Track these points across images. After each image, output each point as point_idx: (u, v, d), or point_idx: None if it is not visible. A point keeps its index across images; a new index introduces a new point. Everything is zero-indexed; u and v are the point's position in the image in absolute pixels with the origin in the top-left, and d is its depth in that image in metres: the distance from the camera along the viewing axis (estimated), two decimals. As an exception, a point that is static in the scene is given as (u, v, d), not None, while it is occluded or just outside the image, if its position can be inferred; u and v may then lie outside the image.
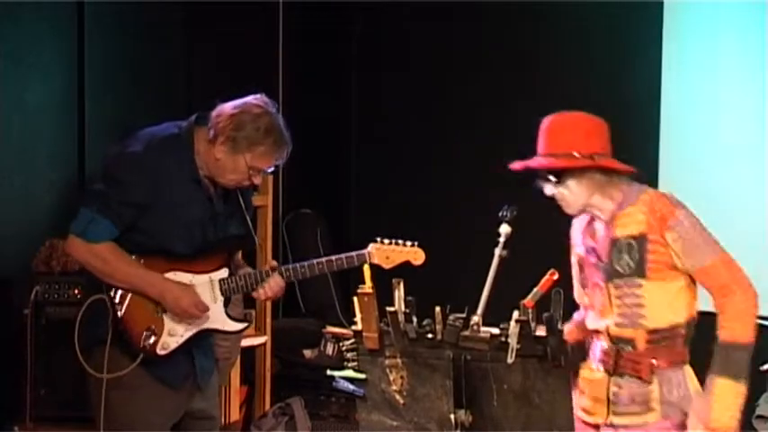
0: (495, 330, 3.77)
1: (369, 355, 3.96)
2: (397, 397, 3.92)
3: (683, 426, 3.94)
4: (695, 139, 6.36)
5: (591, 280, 4.01)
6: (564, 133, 3.94)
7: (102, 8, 6.12)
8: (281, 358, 6.76)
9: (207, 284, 4.42)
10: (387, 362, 3.90)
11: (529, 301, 3.88)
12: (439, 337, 3.82)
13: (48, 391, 5.44)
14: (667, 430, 3.96)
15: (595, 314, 4.01)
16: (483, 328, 3.80)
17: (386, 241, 4.46)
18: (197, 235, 4.41)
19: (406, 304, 3.95)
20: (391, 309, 3.92)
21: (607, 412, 4.00)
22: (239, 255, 4.75)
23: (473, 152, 7.02)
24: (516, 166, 3.99)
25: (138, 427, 4.38)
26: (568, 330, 4.10)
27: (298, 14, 7.28)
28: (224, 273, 4.44)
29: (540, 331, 4.05)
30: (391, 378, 3.92)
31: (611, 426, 4.01)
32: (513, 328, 3.71)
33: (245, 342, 6.24)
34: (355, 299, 4.01)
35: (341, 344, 6.73)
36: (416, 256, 4.46)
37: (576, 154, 3.89)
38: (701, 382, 3.89)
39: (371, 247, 4.43)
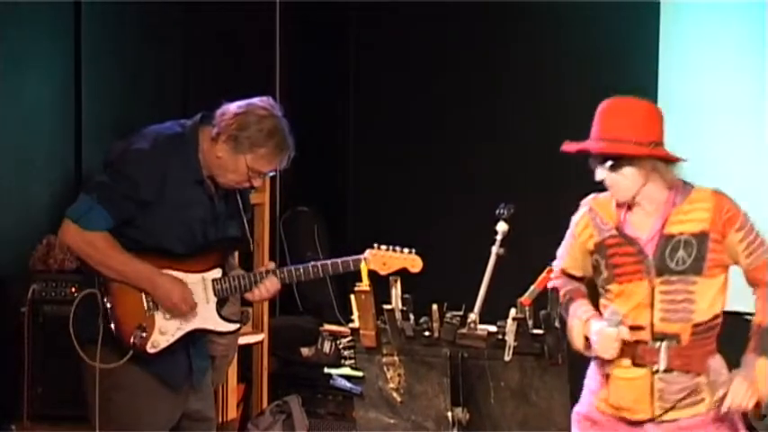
0: (493, 328, 3.77)
1: (366, 353, 3.95)
2: (395, 395, 3.92)
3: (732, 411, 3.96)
4: (691, 141, 6.34)
5: (624, 270, 3.99)
6: (624, 118, 3.92)
7: (98, 8, 6.12)
8: (279, 356, 6.76)
9: (200, 284, 4.42)
10: (384, 360, 3.90)
11: (526, 298, 3.88)
12: (436, 334, 3.82)
13: (45, 390, 5.44)
14: (720, 418, 3.97)
15: (627, 306, 3.97)
16: (480, 326, 3.80)
17: (383, 247, 4.45)
18: (197, 235, 4.42)
19: (403, 302, 3.94)
20: (388, 306, 3.92)
21: (652, 409, 3.99)
22: (236, 256, 4.75)
23: (471, 150, 7.02)
24: (570, 148, 3.97)
25: (137, 426, 4.39)
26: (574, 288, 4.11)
27: (295, 14, 7.28)
28: (217, 273, 4.44)
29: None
30: (388, 376, 3.92)
31: (660, 422, 4.00)
32: (511, 325, 3.70)
33: (243, 340, 6.25)
34: (352, 297, 4.01)
35: (338, 342, 6.74)
36: (414, 263, 4.46)
37: (636, 141, 3.89)
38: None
39: (368, 252, 4.43)
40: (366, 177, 7.56)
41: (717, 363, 4.03)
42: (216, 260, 4.46)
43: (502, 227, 4.09)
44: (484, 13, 6.98)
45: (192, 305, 4.39)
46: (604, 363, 4.01)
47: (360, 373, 4.08)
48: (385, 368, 3.92)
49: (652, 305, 3.95)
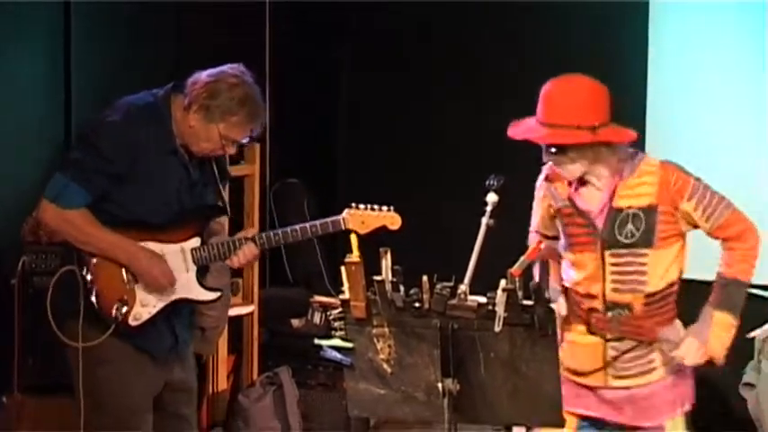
0: (483, 299, 3.77)
1: (356, 325, 3.95)
2: (385, 366, 3.92)
3: (683, 376, 3.99)
4: (681, 141, 6.35)
5: (577, 240, 4.02)
6: (566, 102, 3.91)
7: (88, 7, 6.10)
8: (269, 327, 6.77)
9: (179, 254, 4.40)
10: (374, 331, 3.90)
11: (516, 269, 3.88)
12: (426, 306, 3.82)
13: (36, 361, 5.44)
14: (671, 386, 4.00)
15: (581, 275, 4.02)
16: (470, 297, 3.80)
17: (361, 206, 4.44)
18: (174, 205, 4.40)
19: (394, 273, 3.94)
20: (378, 278, 3.91)
21: (605, 376, 4.02)
22: (226, 226, 4.74)
23: (461, 120, 7.03)
24: (515, 136, 3.98)
25: (122, 399, 4.39)
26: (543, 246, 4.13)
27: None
28: (196, 242, 4.43)
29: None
30: (378, 347, 3.92)
31: (611, 388, 4.03)
32: (501, 296, 3.71)
33: (233, 311, 6.26)
34: (342, 268, 4.00)
35: (328, 313, 6.74)
36: (392, 220, 4.45)
37: (579, 126, 3.88)
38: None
39: (346, 212, 4.43)
40: (356, 149, 7.56)
41: (675, 329, 4.05)
42: (194, 229, 4.44)
43: (492, 198, 4.10)
44: (481, 14, 6.98)
45: (171, 280, 4.38)
46: (564, 328, 4.05)
47: (350, 345, 4.08)
48: (375, 339, 3.92)
49: (604, 277, 3.98)
